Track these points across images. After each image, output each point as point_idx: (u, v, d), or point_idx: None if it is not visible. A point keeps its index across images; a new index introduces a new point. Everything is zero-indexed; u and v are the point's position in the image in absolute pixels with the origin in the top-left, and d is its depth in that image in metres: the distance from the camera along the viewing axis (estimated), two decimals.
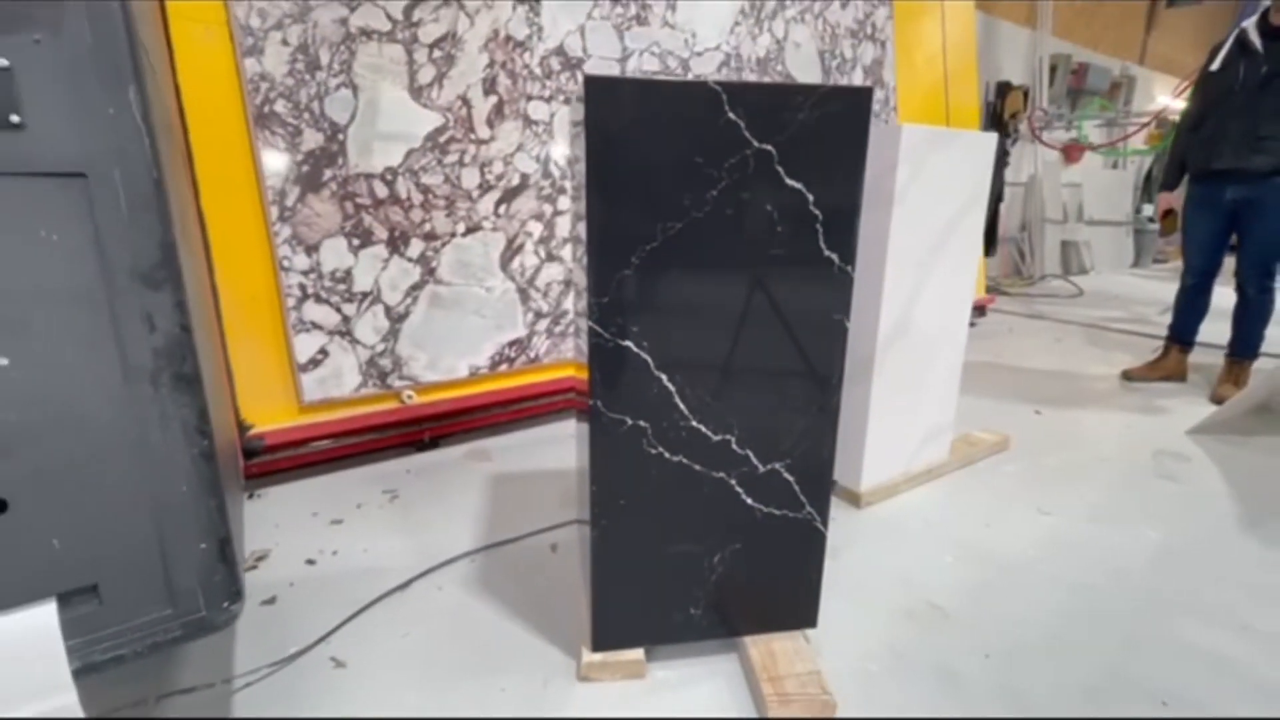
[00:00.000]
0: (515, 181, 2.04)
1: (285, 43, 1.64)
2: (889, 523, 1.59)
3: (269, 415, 1.71)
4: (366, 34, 1.75)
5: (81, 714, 0.73)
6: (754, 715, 1.01)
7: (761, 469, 1.03)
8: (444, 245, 1.93)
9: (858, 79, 2.97)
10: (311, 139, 1.69)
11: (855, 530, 1.56)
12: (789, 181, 0.90)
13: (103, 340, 0.73)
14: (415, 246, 1.88)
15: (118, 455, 0.75)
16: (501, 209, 2.02)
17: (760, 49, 2.61)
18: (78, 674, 0.73)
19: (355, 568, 1.39)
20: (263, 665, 1.08)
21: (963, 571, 1.40)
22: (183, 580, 0.80)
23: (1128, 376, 2.76)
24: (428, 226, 1.90)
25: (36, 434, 0.71)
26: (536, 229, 2.10)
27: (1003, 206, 5.44)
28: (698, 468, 1.00)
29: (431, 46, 1.85)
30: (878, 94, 3.08)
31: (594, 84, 0.83)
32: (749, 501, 1.04)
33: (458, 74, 1.90)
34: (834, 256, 0.95)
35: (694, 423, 0.98)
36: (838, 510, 1.64)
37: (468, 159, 1.94)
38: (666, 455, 0.99)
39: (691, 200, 0.89)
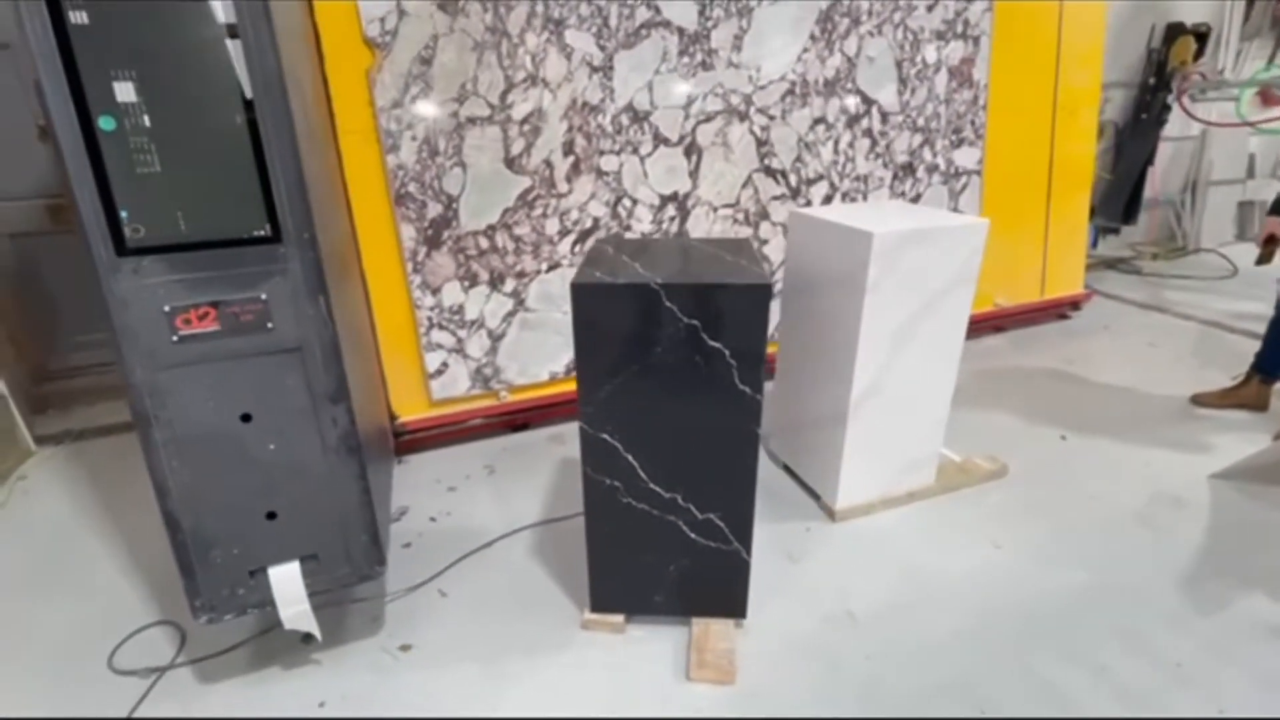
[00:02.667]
0: (588, 225, 2.51)
1: (414, 139, 2.20)
2: (854, 539, 1.99)
3: (410, 408, 2.43)
4: (472, 121, 2.25)
5: (313, 622, 1.44)
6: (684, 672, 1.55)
7: (700, 517, 1.50)
8: (531, 281, 2.48)
9: (941, 82, 2.98)
10: (433, 209, 2.27)
11: (822, 542, 1.98)
12: (710, 343, 1.32)
13: (313, 432, 1.37)
14: (509, 284, 2.45)
15: (323, 491, 1.41)
16: (577, 249, 2.51)
17: (829, 70, 2.75)
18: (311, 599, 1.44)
19: (461, 527, 2.08)
20: (400, 589, 1.80)
21: (892, 589, 1.79)
22: (355, 554, 1.47)
23: (1197, 401, 2.73)
24: (519, 267, 2.44)
25: (286, 479, 1.38)
26: None
27: (1154, 169, 4.91)
28: (655, 513, 1.50)
29: (521, 123, 2.32)
30: (965, 94, 3.05)
31: (578, 290, 1.29)
32: (693, 536, 1.53)
33: (542, 142, 2.36)
34: (746, 389, 1.36)
35: (651, 485, 1.47)
36: (816, 522, 2.07)
37: (550, 211, 2.43)
38: (634, 504, 1.50)
39: (644, 354, 1.34)
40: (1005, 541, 1.96)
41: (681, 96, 2.53)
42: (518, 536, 2.02)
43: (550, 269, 2.50)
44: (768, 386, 2.98)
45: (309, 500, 1.40)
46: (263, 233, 1.26)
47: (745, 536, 1.52)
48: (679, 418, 1.40)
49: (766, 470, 2.35)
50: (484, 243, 2.37)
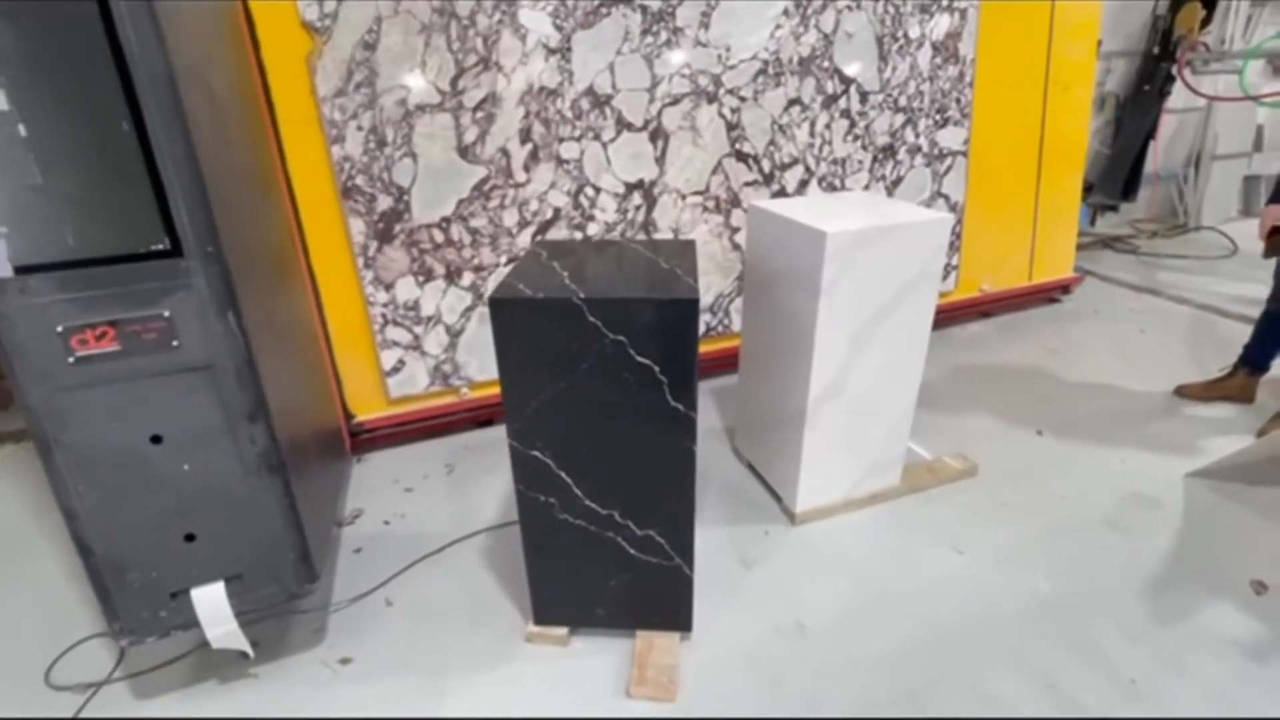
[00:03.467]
0: (549, 215, 2.41)
1: (360, 128, 2.10)
2: (811, 543, 1.94)
3: (368, 406, 2.38)
4: (421, 109, 2.15)
5: (243, 640, 1.42)
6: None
7: (639, 533, 1.46)
8: (489, 275, 2.40)
9: (925, 58, 2.84)
10: (384, 202, 2.19)
11: (779, 546, 1.93)
12: (639, 359, 1.25)
13: (230, 452, 1.32)
14: (467, 278, 2.37)
15: (245, 511, 1.36)
16: (538, 240, 2.42)
17: (804, 48, 2.62)
18: (238, 618, 1.41)
19: (414, 530, 2.04)
20: (345, 599, 1.77)
21: (846, 597, 1.75)
22: (283, 573, 1.43)
23: (1181, 393, 2.65)
24: (476, 261, 2.36)
25: (203, 501, 1.33)
26: None
27: (1155, 143, 4.73)
28: (593, 529, 1.46)
29: (475, 109, 2.21)
30: (950, 71, 2.91)
31: (497, 305, 1.22)
32: (632, 552, 1.48)
33: (498, 129, 2.26)
34: (679, 406, 1.29)
35: (588, 502, 1.42)
36: (775, 525, 2.02)
37: (507, 201, 2.34)
38: (571, 520, 1.45)
39: (570, 370, 1.27)
40: (968, 546, 1.91)
41: (646, 79, 2.41)
42: (471, 541, 1.99)
43: (510, 261, 2.42)
44: (731, 380, 2.99)
45: (230, 521, 1.36)
46: (161, 246, 1.20)
47: (686, 552, 1.48)
48: (611, 435, 1.34)
49: (731, 468, 2.30)
50: (438, 236, 2.29)
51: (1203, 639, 1.60)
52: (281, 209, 1.92)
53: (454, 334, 2.42)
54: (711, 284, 2.79)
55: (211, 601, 1.38)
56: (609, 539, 1.46)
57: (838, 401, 1.85)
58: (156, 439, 1.27)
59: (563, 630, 1.62)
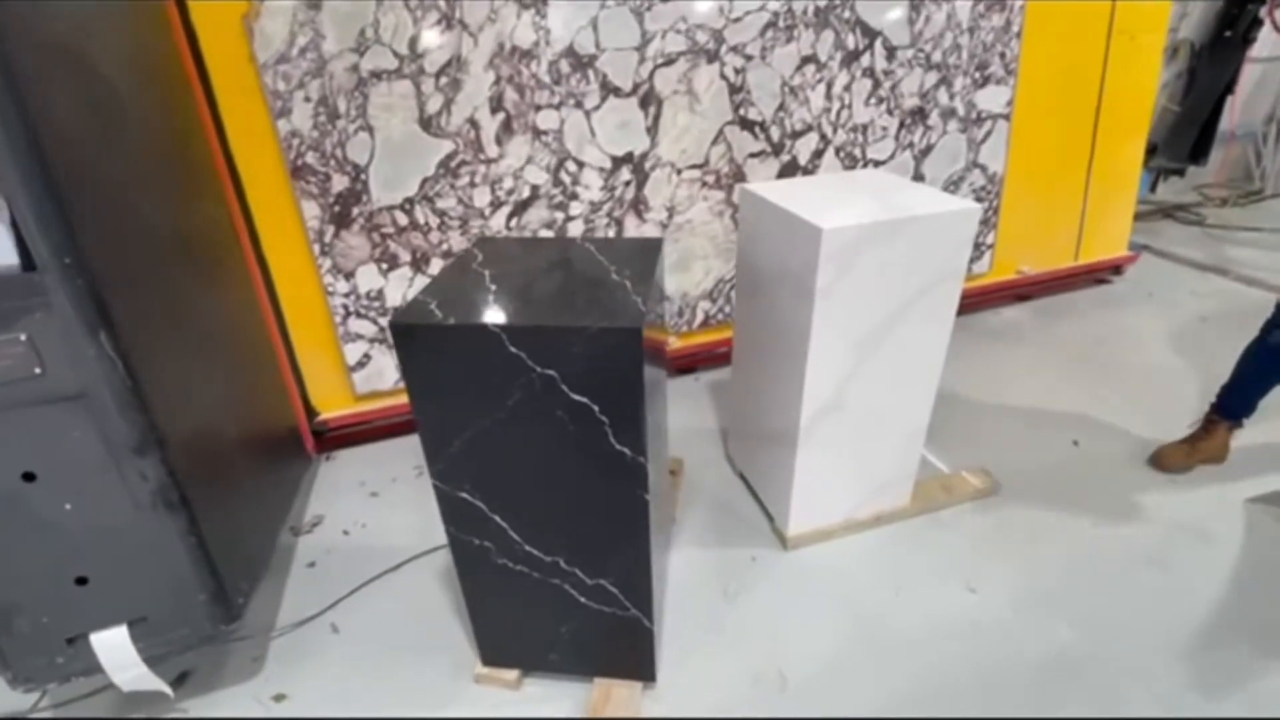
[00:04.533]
0: (525, 194, 2.17)
1: (308, 99, 1.87)
2: (804, 573, 1.74)
3: (332, 403, 2.23)
4: (376, 75, 1.91)
5: (157, 682, 1.29)
6: None
7: (589, 582, 1.27)
8: None
9: (964, 6, 2.45)
10: (338, 182, 1.98)
11: (767, 576, 1.73)
12: (574, 396, 1.03)
13: (118, 488, 1.16)
14: (435, 265, 2.16)
15: (141, 552, 1.21)
16: (513, 222, 2.19)
17: None
18: (147, 661, 1.28)
19: (374, 542, 1.90)
20: (290, 624, 1.65)
21: (836, 642, 1.55)
22: (194, 615, 1.29)
23: (1159, 464, 2.02)
24: (445, 246, 2.15)
25: (92, 542, 1.18)
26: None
27: (1234, 98, 4.18)
28: (537, 575, 1.27)
29: (437, 75, 1.96)
30: (994, 20, 2.52)
31: (399, 332, 1.01)
32: (583, 600, 1.30)
33: (464, 98, 2.00)
34: (625, 451, 1.08)
35: (527, 548, 1.24)
36: (765, 549, 1.82)
37: (478, 179, 2.10)
38: (510, 565, 1.27)
39: (495, 406, 1.06)
40: (982, 581, 1.68)
41: (635, 36, 2.11)
42: (432, 556, 1.84)
43: None
44: (723, 375, 2.73)
45: (125, 563, 1.21)
46: (10, 261, 1.01)
47: (644, 603, 1.29)
48: (550, 479, 1.14)
49: (722, 477, 2.10)
50: (401, 219, 2.08)
51: (1260, 709, 1.36)
52: (214, 196, 1.72)
53: None
54: (711, 268, 2.52)
55: (113, 646, 1.25)
56: (555, 585, 1.28)
57: (837, 418, 1.61)
58: (29, 476, 1.11)
59: (513, 673, 1.46)
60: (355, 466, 2.24)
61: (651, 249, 1.28)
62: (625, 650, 1.37)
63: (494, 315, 1.01)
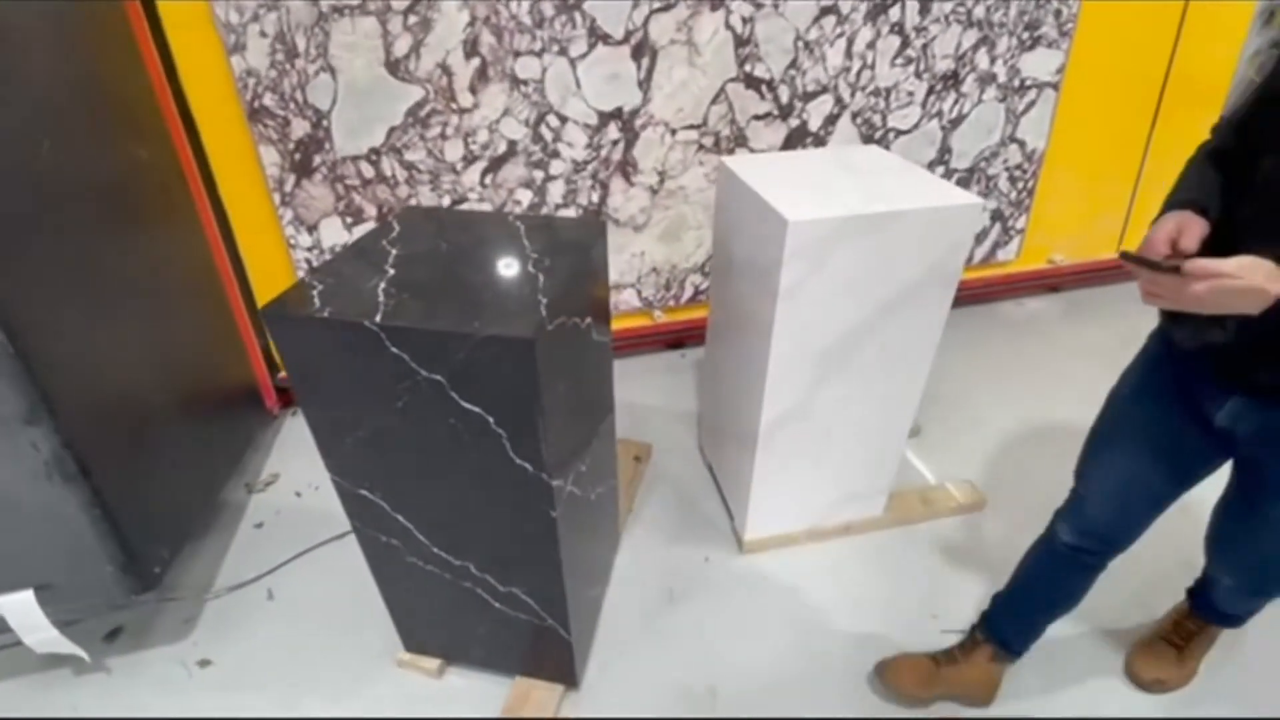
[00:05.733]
0: (502, 149, 2.01)
1: (263, 34, 1.73)
2: (755, 581, 1.64)
3: None
4: (338, 10, 1.74)
5: (64, 645, 1.28)
6: None
7: (502, 589, 1.19)
8: None
9: None
10: (299, 128, 1.84)
11: (716, 580, 1.64)
12: (465, 405, 0.92)
13: (8, 458, 1.11)
14: None
15: (38, 521, 1.17)
16: (488, 179, 2.04)
17: None
18: (61, 625, 1.27)
19: (322, 508, 1.86)
20: (225, 586, 1.63)
21: (776, 659, 1.46)
22: (103, 583, 1.26)
23: (887, 680, 1.35)
24: (414, 201, 2.02)
25: None
26: (526, 197, 2.10)
27: None
28: (448, 576, 1.20)
29: (406, 13, 1.78)
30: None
31: (272, 322, 0.90)
32: (497, 606, 1.22)
33: (435, 39, 1.83)
34: (526, 465, 0.97)
35: (435, 549, 1.16)
36: (721, 550, 1.72)
37: (450, 131, 1.95)
38: (420, 564, 1.19)
39: (383, 406, 0.96)
40: (946, 608, 1.56)
41: None
42: None
43: (454, 203, 2.06)
44: (698, 354, 2.58)
45: (23, 532, 1.17)
46: None
47: (560, 614, 1.21)
48: (451, 486, 1.04)
49: (690, 467, 1.99)
50: (367, 170, 1.94)
51: None
52: (153, 138, 1.61)
53: None
54: (703, 240, 2.35)
55: (20, 609, 1.23)
56: (468, 589, 1.21)
57: (801, 425, 1.48)
58: None
59: (435, 662, 1.42)
60: None
61: (590, 233, 1.13)
62: (545, 654, 1.31)
63: (375, 309, 0.89)
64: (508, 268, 1.01)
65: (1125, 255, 0.79)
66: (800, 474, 1.58)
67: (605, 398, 1.36)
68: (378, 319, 0.87)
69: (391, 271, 0.99)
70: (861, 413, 1.49)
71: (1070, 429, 2.11)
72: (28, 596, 1.23)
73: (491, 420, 0.93)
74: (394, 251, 1.05)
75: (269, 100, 1.80)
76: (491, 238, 1.12)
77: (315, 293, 0.93)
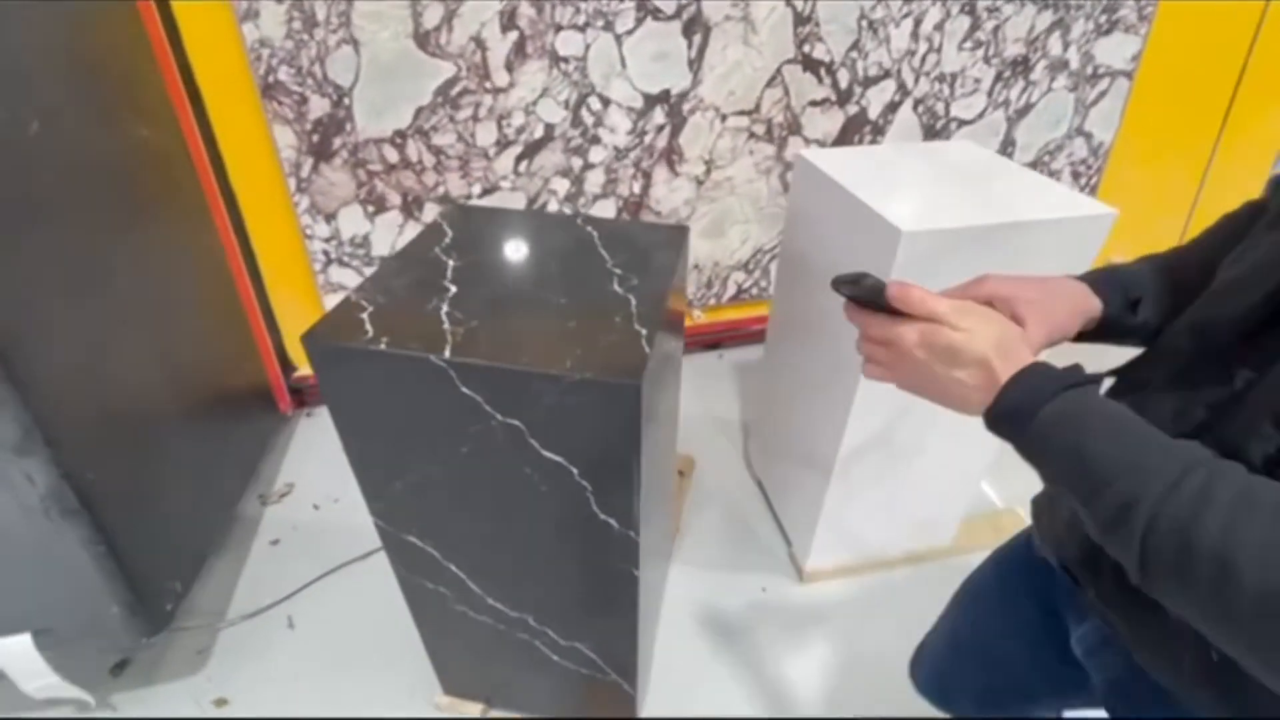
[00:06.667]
0: (539, 134, 1.84)
1: (279, 1, 1.54)
2: (820, 613, 1.51)
3: None
4: None
5: (66, 690, 1.14)
6: None
7: (564, 643, 1.06)
8: None
9: None
10: (318, 106, 1.66)
11: (777, 612, 1.52)
12: (546, 454, 0.77)
13: (2, 494, 0.96)
14: (430, 211, 1.87)
15: (34, 560, 1.03)
16: (522, 166, 1.87)
17: None
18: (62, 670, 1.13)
19: (346, 521, 1.72)
20: (241, 615, 1.49)
21: (847, 698, 1.34)
22: (108, 626, 1.12)
23: None
24: (441, 190, 1.85)
25: None
26: (562, 186, 1.93)
27: None
28: (502, 628, 1.06)
29: None
30: None
31: (317, 352, 0.75)
32: (555, 659, 1.09)
33: (469, 10, 1.64)
34: (611, 521, 0.83)
35: (490, 600, 1.02)
36: (778, 578, 1.59)
37: (483, 112, 1.77)
38: (471, 614, 1.06)
39: (444, 451, 0.81)
40: None
41: None
42: None
43: (485, 193, 1.89)
44: (754, 353, 2.43)
45: (17, 571, 1.03)
46: None
47: (627, 670, 1.08)
48: (516, 538, 0.90)
49: (737, 482, 1.86)
50: (391, 155, 1.77)
51: None
52: (158, 119, 1.43)
53: None
54: (749, 235, 2.18)
55: (19, 655, 1.09)
56: (523, 641, 1.07)
57: (882, 454, 1.34)
58: None
59: (477, 707, 1.29)
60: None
61: (674, 243, 0.98)
62: (603, 703, 1.18)
63: (442, 339, 0.73)
64: (590, 287, 0.85)
65: (836, 282, 0.55)
66: (873, 502, 1.44)
67: (675, 424, 1.22)
68: (447, 353, 0.71)
69: (452, 289, 0.83)
70: (948, 439, 1.35)
71: None
72: (25, 641, 1.09)
73: (575, 472, 0.78)
74: (451, 262, 0.89)
75: (284, 75, 1.62)
76: (562, 247, 0.96)
77: (366, 315, 0.77)
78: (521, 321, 0.78)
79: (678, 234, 1.00)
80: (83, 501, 1.01)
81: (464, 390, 0.73)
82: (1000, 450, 1.41)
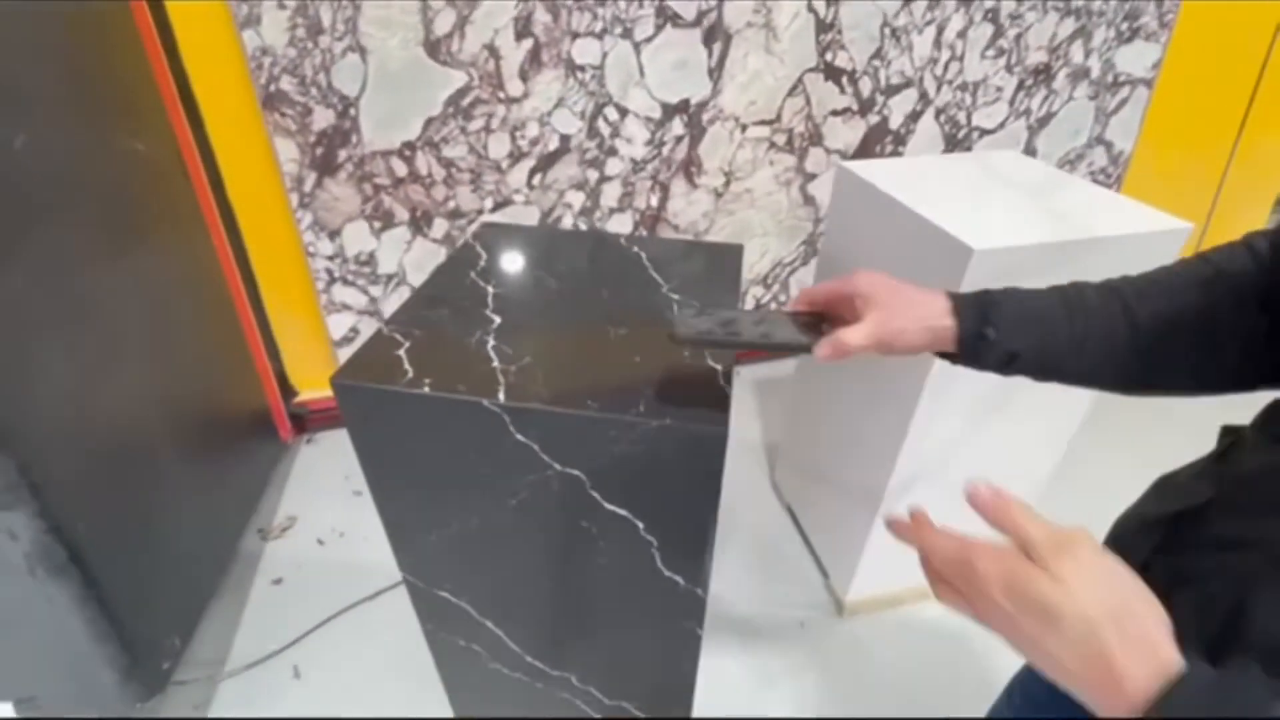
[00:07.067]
0: (553, 145, 1.76)
1: (282, 5, 1.45)
2: (864, 646, 1.43)
3: (315, 381, 1.90)
4: None
5: None
6: None
7: (608, 702, 0.96)
8: (470, 223, 1.80)
9: None
10: (322, 117, 1.57)
11: (819, 650, 1.43)
12: (608, 506, 0.68)
13: None
14: (439, 226, 1.78)
15: (18, 622, 0.92)
16: (536, 179, 1.79)
17: None
18: None
19: (353, 558, 1.61)
20: (243, 664, 1.38)
21: None
22: (100, 693, 1.01)
23: None
24: (451, 204, 1.76)
25: None
26: (578, 200, 1.85)
27: None
28: (540, 686, 0.97)
29: None
30: None
31: (346, 394, 0.65)
32: (597, 717, 1.00)
33: (482, 16, 1.56)
34: (677, 578, 0.74)
35: (529, 659, 0.92)
36: (815, 613, 1.51)
37: (495, 123, 1.69)
38: (505, 671, 0.96)
39: (489, 501, 0.72)
40: None
41: None
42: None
43: (497, 207, 1.80)
44: (772, 370, 2.35)
45: (13, 637, 0.92)
46: None
47: None
48: (564, 594, 0.81)
49: (765, 509, 1.77)
50: (400, 168, 1.68)
51: None
52: (152, 131, 1.33)
53: None
54: (769, 248, 2.11)
55: None
56: (562, 700, 0.98)
57: (934, 482, 1.26)
58: None
59: None
60: (338, 453, 1.93)
61: (729, 264, 0.89)
62: None
63: (493, 380, 0.65)
64: (648, 315, 0.77)
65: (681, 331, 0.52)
66: None
67: None
68: (501, 397, 0.62)
69: (496, 319, 0.74)
70: (1005, 463, 1.28)
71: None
72: (5, 710, 0.98)
73: (640, 526, 0.69)
74: (490, 289, 0.81)
75: (287, 84, 1.52)
76: (609, 269, 0.87)
77: (403, 352, 0.68)
78: (579, 357, 0.69)
79: (732, 254, 0.92)
80: (72, 556, 0.91)
81: (519, 437, 0.64)
82: (1058, 465, 1.34)
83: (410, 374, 0.65)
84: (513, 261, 0.89)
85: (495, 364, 0.67)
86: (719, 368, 0.67)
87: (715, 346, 0.45)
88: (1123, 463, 2.01)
